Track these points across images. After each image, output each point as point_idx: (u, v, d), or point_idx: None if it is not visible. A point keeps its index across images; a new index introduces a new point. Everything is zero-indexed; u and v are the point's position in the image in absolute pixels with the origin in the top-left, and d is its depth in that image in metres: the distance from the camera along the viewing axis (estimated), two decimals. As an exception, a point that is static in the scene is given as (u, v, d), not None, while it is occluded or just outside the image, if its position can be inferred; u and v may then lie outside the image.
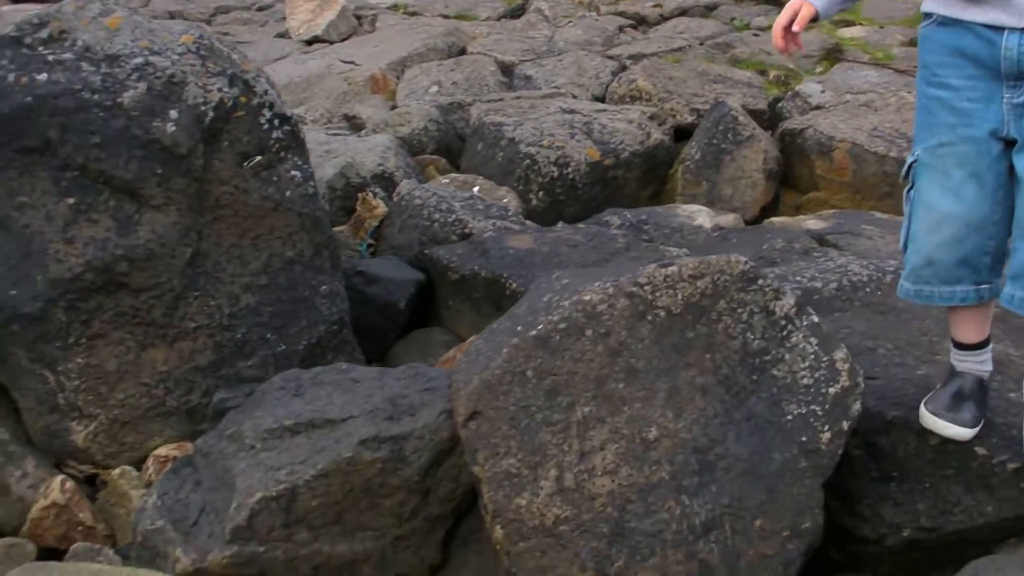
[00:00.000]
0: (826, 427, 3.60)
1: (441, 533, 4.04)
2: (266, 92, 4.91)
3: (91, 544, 4.49)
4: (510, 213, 6.66)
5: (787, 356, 3.66)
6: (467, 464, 3.69)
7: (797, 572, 3.57)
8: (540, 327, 3.64)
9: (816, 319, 3.74)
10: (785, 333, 3.68)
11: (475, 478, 3.66)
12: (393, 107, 9.53)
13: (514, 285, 5.52)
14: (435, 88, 10.08)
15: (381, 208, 6.75)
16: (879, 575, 4.02)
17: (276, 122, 4.92)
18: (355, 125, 9.16)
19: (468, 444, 3.65)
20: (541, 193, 7.53)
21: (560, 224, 6.66)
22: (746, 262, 3.71)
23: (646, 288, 3.63)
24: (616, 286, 3.64)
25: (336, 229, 6.38)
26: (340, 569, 3.94)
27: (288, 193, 4.94)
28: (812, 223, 6.43)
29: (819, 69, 10.57)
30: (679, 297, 3.64)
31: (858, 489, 3.94)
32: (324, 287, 5.11)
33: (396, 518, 3.94)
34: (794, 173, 8.20)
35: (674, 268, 3.66)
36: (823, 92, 9.50)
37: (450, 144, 8.64)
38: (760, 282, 3.68)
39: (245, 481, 3.93)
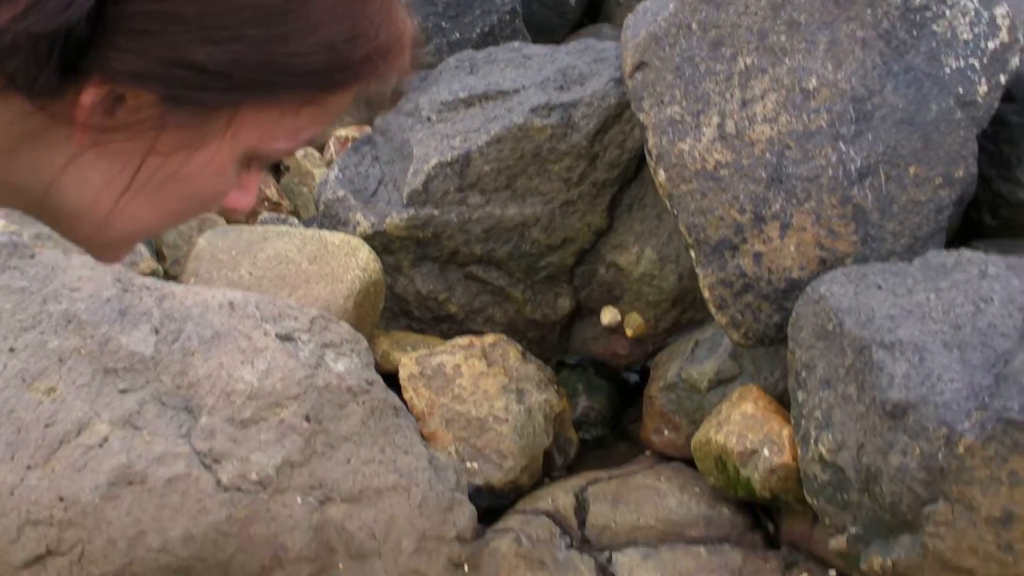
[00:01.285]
0: (983, 80, 3.62)
1: (606, 199, 4.22)
2: None
3: (277, 214, 4.77)
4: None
5: (947, 12, 3.66)
6: (633, 113, 3.82)
7: (948, 219, 3.65)
8: (706, -19, 3.71)
9: (979, -24, 3.72)
10: (947, -10, 3.68)
11: (640, 125, 3.78)
12: None
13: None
14: None
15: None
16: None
17: None
18: None
19: (634, 93, 3.77)
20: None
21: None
22: (909, -82, 3.71)
23: (810, -57, 3.66)
24: (780, -59, 3.68)
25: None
26: (510, 232, 4.17)
27: None
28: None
29: None
30: (842, -50, 3.65)
31: (1015, 156, 3.98)
32: (497, -23, 5.24)
33: (564, 183, 4.13)
34: None
35: (838, -78, 3.68)
36: None
37: None
38: (924, -62, 3.68)
39: (422, 150, 4.15)
